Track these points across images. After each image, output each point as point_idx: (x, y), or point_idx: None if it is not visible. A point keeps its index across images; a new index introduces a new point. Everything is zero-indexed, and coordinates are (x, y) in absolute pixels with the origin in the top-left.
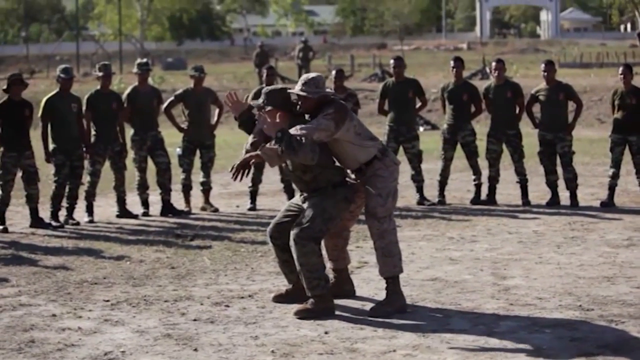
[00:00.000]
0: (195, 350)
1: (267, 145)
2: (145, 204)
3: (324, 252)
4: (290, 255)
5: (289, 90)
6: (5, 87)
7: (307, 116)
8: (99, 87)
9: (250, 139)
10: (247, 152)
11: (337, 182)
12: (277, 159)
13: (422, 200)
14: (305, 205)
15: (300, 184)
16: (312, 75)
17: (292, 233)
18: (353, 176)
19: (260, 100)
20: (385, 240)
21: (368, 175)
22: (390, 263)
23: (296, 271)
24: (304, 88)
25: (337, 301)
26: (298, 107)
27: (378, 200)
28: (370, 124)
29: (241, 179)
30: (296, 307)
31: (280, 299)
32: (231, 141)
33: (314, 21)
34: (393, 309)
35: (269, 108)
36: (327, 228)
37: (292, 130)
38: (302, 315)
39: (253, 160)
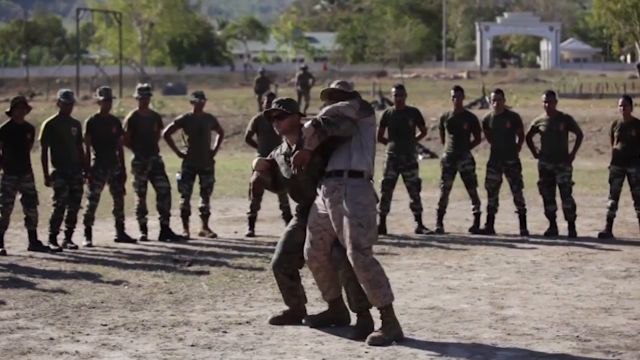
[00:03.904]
0: None
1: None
2: (143, 228)
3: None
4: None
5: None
6: (8, 109)
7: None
8: (99, 111)
9: (255, 160)
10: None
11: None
12: (317, 139)
13: (420, 228)
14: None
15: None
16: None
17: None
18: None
19: (276, 106)
20: (372, 272)
21: (349, 199)
22: (379, 293)
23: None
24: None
25: (334, 330)
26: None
27: (360, 230)
28: None
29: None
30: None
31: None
32: (230, 167)
33: (315, 48)
34: (390, 337)
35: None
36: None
37: (324, 112)
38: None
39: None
